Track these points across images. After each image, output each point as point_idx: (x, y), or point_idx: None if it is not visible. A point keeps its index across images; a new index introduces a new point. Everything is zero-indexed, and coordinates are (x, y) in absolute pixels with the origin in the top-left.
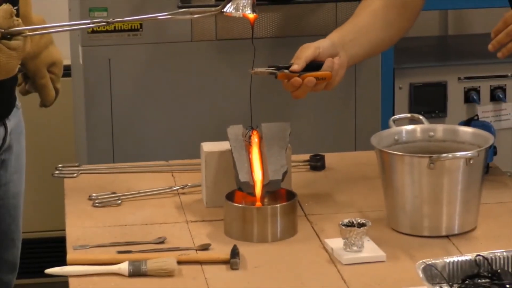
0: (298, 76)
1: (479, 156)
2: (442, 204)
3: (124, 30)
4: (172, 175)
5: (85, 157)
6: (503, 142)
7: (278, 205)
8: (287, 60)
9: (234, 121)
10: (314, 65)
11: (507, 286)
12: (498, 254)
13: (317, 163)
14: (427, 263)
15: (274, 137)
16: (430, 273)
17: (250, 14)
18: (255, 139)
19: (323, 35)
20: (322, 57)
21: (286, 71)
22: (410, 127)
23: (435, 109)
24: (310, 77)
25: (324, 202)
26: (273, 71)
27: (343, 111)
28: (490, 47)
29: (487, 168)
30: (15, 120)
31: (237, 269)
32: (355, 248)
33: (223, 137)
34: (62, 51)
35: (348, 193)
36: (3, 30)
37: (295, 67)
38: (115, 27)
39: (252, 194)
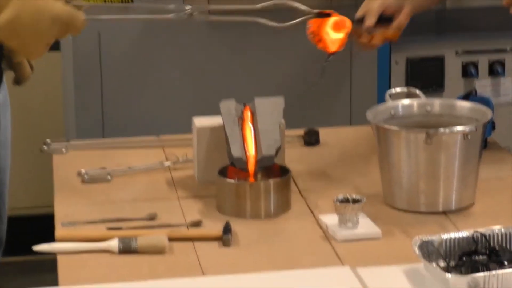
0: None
1: (477, 130)
2: (439, 180)
3: (114, 2)
4: (163, 151)
5: (74, 132)
6: (501, 117)
7: (272, 180)
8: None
9: (227, 95)
10: (381, 18)
11: (505, 263)
12: (496, 230)
13: (311, 138)
14: (424, 239)
15: (267, 112)
16: (427, 250)
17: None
18: (248, 114)
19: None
20: (389, 10)
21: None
22: (406, 101)
23: (432, 83)
24: (378, 39)
25: (319, 178)
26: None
27: (339, 85)
28: (504, 2)
29: (485, 143)
30: (2, 94)
31: (229, 246)
32: (350, 224)
33: (216, 111)
34: None
35: (343, 169)
36: None
37: (368, 22)
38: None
39: (245, 169)
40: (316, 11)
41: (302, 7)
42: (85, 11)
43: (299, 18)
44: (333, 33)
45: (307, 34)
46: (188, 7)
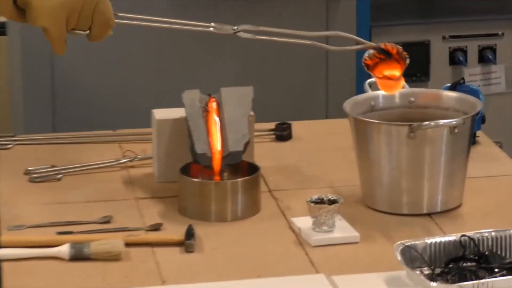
0: None
1: (465, 124)
2: (423, 178)
3: None
4: (120, 146)
5: (21, 126)
6: (492, 108)
7: (239, 179)
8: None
9: (190, 85)
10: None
11: (496, 270)
12: (486, 234)
13: (283, 132)
14: (406, 244)
15: (235, 103)
16: (410, 255)
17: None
18: (213, 106)
19: None
20: None
21: None
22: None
23: (416, 71)
24: None
25: (291, 176)
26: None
27: (313, 73)
28: None
29: (474, 138)
30: None
31: (192, 251)
32: (325, 227)
33: (178, 103)
34: None
35: (318, 166)
36: None
37: None
38: None
39: (210, 167)
40: (376, 45)
41: (358, 38)
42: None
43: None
44: (387, 76)
45: (362, 62)
46: (236, 27)
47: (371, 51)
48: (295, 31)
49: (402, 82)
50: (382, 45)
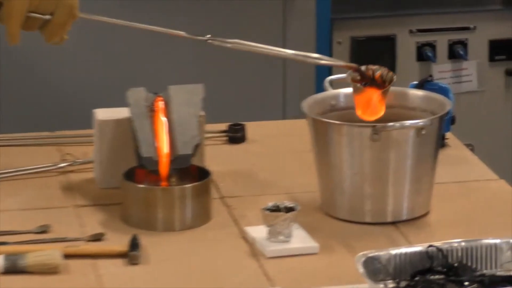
0: None
1: (432, 125)
2: (388, 184)
3: None
4: (58, 149)
5: None
6: (463, 108)
7: (188, 185)
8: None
9: (134, 83)
10: None
11: (466, 283)
12: (455, 244)
13: (236, 134)
14: (369, 255)
15: (184, 102)
16: (373, 267)
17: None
18: (160, 105)
19: None
20: None
21: None
22: (350, 90)
23: None
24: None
25: (245, 182)
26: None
27: (269, 70)
28: None
29: (443, 140)
30: None
31: (137, 263)
32: (281, 237)
33: (121, 102)
34: None
35: (274, 171)
36: None
37: None
38: None
39: (156, 172)
40: (358, 67)
41: (341, 63)
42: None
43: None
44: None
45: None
46: (209, 35)
47: (353, 73)
48: (273, 48)
49: (383, 109)
50: (363, 68)
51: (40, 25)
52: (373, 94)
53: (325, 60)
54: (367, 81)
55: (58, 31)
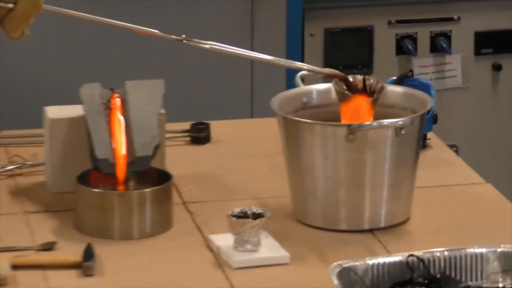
0: None
1: (413, 124)
2: (365, 188)
3: None
4: (6, 151)
5: None
6: (446, 106)
7: (148, 189)
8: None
9: (89, 79)
10: None
11: None
12: (438, 254)
13: (200, 134)
14: (344, 265)
15: (143, 99)
16: (348, 278)
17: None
18: (116, 102)
19: None
20: None
21: None
22: (323, 86)
23: (357, 62)
24: None
25: (209, 186)
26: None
27: (236, 64)
28: None
29: (425, 141)
30: None
31: (91, 275)
32: (249, 246)
33: (75, 99)
34: None
35: (241, 174)
36: None
37: None
38: None
39: (113, 175)
40: (344, 75)
41: (324, 71)
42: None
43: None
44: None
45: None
46: (184, 36)
47: (338, 81)
48: (253, 53)
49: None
50: (350, 77)
51: (1, 15)
52: (361, 103)
53: (308, 67)
54: (354, 91)
55: (21, 23)
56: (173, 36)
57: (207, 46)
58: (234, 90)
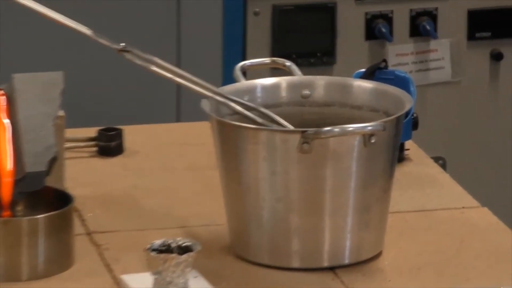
0: None
1: (386, 130)
2: (324, 214)
3: None
4: None
5: None
6: (430, 106)
7: (41, 216)
8: None
9: None
10: None
11: None
12: None
13: (110, 143)
14: None
15: (35, 97)
16: None
17: None
18: (1, 101)
19: None
20: None
21: None
22: (270, 80)
23: (315, 49)
24: None
25: (122, 211)
26: None
27: (158, 53)
28: None
29: (402, 152)
30: None
31: None
32: None
33: None
34: None
35: (163, 195)
36: None
37: None
38: None
39: None
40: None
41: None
42: None
43: None
44: None
45: None
46: (123, 44)
47: None
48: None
49: None
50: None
51: None
52: None
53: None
54: None
55: None
56: (107, 43)
57: (153, 68)
58: (154, 87)
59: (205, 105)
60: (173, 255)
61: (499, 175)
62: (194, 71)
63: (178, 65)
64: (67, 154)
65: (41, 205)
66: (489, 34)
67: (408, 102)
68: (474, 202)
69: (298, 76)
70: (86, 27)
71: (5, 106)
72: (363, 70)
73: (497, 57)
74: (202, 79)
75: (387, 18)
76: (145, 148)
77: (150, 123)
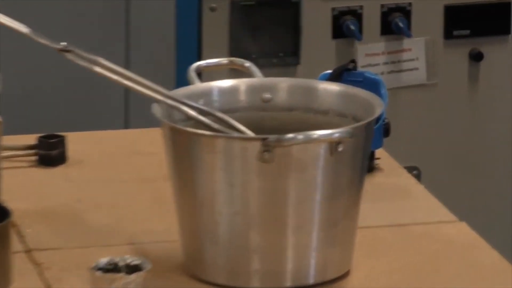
0: None
1: (354, 138)
2: (286, 229)
3: None
4: None
5: None
6: (403, 112)
7: None
8: None
9: None
10: None
11: None
12: None
13: (51, 151)
14: None
15: None
16: None
17: None
18: None
19: None
20: None
21: None
22: (228, 83)
23: (277, 49)
24: None
25: (64, 226)
26: None
27: (105, 53)
28: None
29: (372, 162)
30: None
31: None
32: None
33: None
34: None
35: (110, 209)
36: None
37: None
38: None
39: None
40: None
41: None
42: None
43: None
44: None
45: None
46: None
47: None
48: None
49: None
50: None
51: None
52: None
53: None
54: None
55: None
56: (49, 43)
57: (97, 69)
58: (101, 90)
59: (156, 110)
60: (121, 274)
61: (478, 186)
62: (144, 72)
63: (126, 66)
64: (4, 164)
65: None
66: (468, 32)
67: (378, 106)
68: (451, 216)
69: (259, 78)
70: (24, 25)
71: None
72: (330, 71)
73: (476, 57)
74: (153, 82)
75: (356, 15)
76: (90, 157)
77: (95, 130)
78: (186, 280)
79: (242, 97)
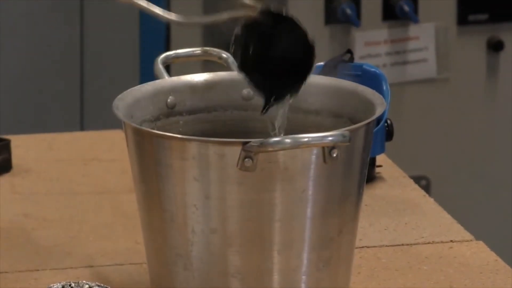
0: None
1: (352, 142)
2: (272, 249)
3: None
4: None
5: None
6: (410, 111)
7: None
8: None
9: None
10: None
11: None
12: None
13: None
14: None
15: None
16: None
17: None
18: None
19: None
20: None
21: None
22: (201, 77)
23: None
24: None
25: (9, 246)
26: None
27: (58, 43)
28: None
29: (373, 170)
30: None
31: None
32: None
33: None
34: None
35: (63, 225)
36: None
37: None
38: None
39: None
40: None
41: None
42: None
43: None
44: None
45: None
46: None
47: None
48: None
49: None
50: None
51: None
52: None
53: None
54: None
55: None
56: None
57: None
58: (53, 85)
59: (118, 108)
60: None
61: (497, 200)
62: (103, 65)
63: (81, 58)
64: None
65: None
66: (485, 17)
67: (380, 105)
68: (466, 235)
69: (237, 71)
70: None
71: None
72: (322, 63)
73: (496, 46)
74: (113, 75)
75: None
76: (39, 165)
77: (45, 132)
78: None
79: (219, 94)
